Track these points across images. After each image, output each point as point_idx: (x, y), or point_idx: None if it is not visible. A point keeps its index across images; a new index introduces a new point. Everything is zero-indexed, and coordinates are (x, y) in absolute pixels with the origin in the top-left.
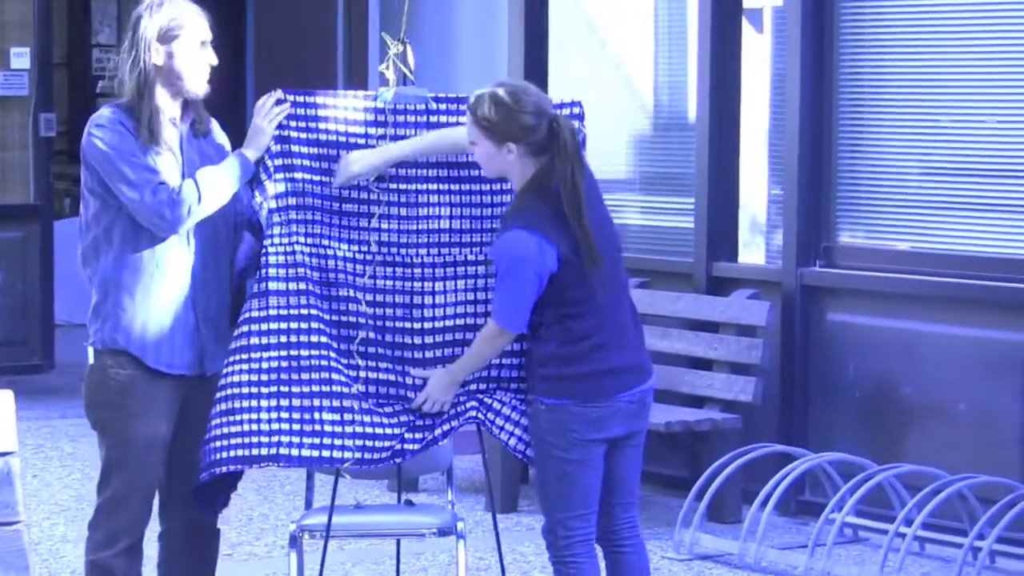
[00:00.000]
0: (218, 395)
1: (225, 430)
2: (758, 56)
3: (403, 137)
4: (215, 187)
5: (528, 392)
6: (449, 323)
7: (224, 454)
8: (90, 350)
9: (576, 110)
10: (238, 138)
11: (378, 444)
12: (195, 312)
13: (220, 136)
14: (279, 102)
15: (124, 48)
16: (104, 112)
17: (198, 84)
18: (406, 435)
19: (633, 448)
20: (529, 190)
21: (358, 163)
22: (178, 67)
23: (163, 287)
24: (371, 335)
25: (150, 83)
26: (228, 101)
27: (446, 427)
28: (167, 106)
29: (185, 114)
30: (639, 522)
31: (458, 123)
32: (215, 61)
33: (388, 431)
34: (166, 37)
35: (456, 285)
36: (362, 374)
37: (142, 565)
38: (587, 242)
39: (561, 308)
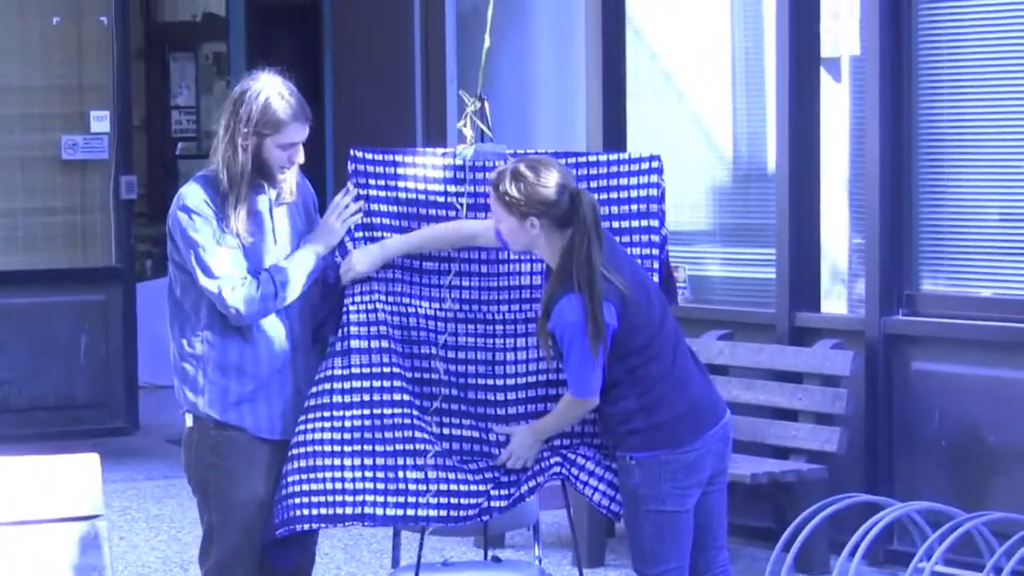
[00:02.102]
0: (294, 452)
1: (306, 487)
2: (837, 105)
3: (483, 195)
4: (291, 285)
5: (615, 450)
6: (531, 379)
7: (305, 511)
8: (188, 415)
9: (655, 164)
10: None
11: (464, 501)
12: (294, 377)
13: (306, 192)
14: (354, 174)
15: (221, 119)
16: (191, 189)
17: (277, 180)
18: (492, 492)
19: (719, 491)
20: (565, 268)
21: (361, 263)
22: (263, 159)
23: (257, 358)
24: (453, 392)
25: (240, 165)
26: (307, 162)
27: (532, 483)
28: (253, 180)
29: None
30: (729, 567)
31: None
32: (302, 161)
33: (474, 487)
34: (258, 132)
35: (537, 341)
36: (445, 431)
37: None
38: (595, 314)
39: (628, 360)
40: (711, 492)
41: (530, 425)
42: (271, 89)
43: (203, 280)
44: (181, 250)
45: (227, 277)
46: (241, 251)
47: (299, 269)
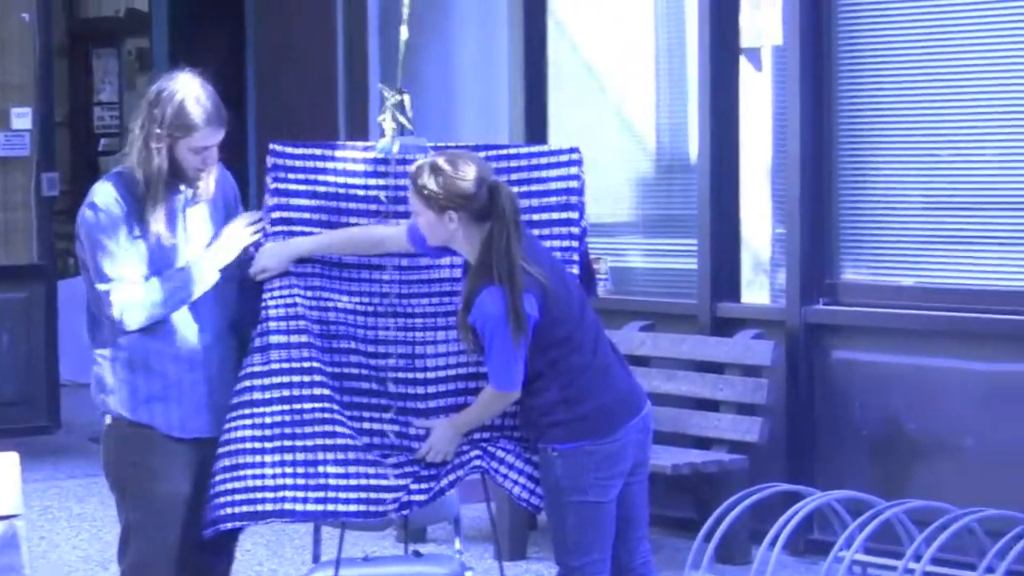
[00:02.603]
0: (221, 450)
1: (229, 485)
2: (758, 95)
3: (405, 188)
4: (176, 295)
5: (537, 442)
6: (452, 372)
7: (229, 510)
8: (107, 416)
9: (574, 155)
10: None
11: (384, 496)
12: (207, 376)
13: (227, 186)
14: (274, 168)
15: (137, 119)
16: (102, 188)
17: (192, 182)
18: (412, 486)
19: (640, 482)
20: (485, 262)
21: (271, 261)
22: (177, 161)
23: (166, 357)
24: (373, 386)
25: (156, 166)
26: (229, 157)
27: (452, 477)
28: (169, 181)
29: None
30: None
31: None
32: (214, 162)
33: (393, 482)
34: (171, 135)
35: (458, 334)
36: (366, 425)
37: None
38: (516, 306)
39: (550, 352)
40: (632, 483)
41: (450, 419)
42: (187, 91)
43: (96, 281)
44: (84, 248)
45: (119, 281)
46: (147, 255)
47: (191, 279)
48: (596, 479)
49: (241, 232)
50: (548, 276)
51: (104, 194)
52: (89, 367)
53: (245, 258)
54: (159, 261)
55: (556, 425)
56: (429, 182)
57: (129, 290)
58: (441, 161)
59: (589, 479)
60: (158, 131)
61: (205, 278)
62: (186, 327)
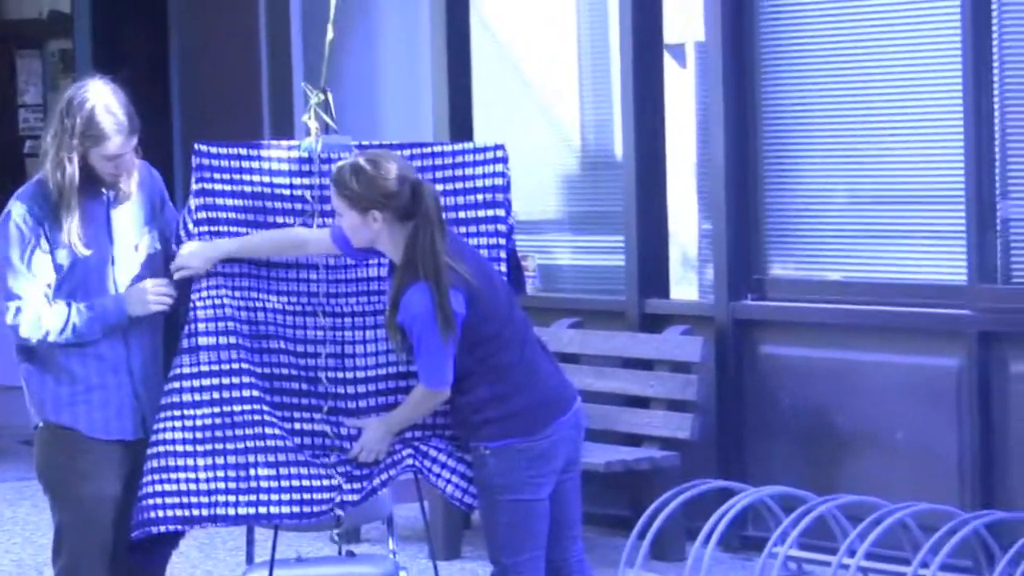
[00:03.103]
0: (150, 451)
1: (159, 487)
2: (682, 91)
3: (328, 186)
4: (82, 327)
5: (469, 441)
6: (382, 372)
7: (160, 512)
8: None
9: (500, 153)
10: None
11: (316, 496)
12: (131, 379)
13: (153, 186)
14: (199, 168)
15: (48, 129)
16: (18, 201)
17: (106, 183)
18: (344, 486)
19: (573, 479)
20: (410, 260)
21: (194, 260)
22: (89, 168)
23: (87, 360)
24: (303, 386)
25: (68, 175)
26: (153, 158)
27: (384, 476)
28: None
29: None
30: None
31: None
32: (130, 168)
33: (326, 482)
34: (82, 144)
35: (386, 334)
36: (296, 426)
37: None
38: (443, 303)
39: (478, 350)
40: (565, 481)
41: (381, 418)
42: (97, 100)
43: (4, 296)
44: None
45: (25, 299)
46: (52, 267)
47: (99, 319)
48: (528, 477)
49: (152, 295)
50: (473, 274)
51: (18, 208)
52: (17, 370)
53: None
54: (79, 268)
55: (487, 423)
56: (351, 183)
57: (33, 311)
58: (362, 161)
59: (522, 476)
60: (69, 140)
61: (108, 322)
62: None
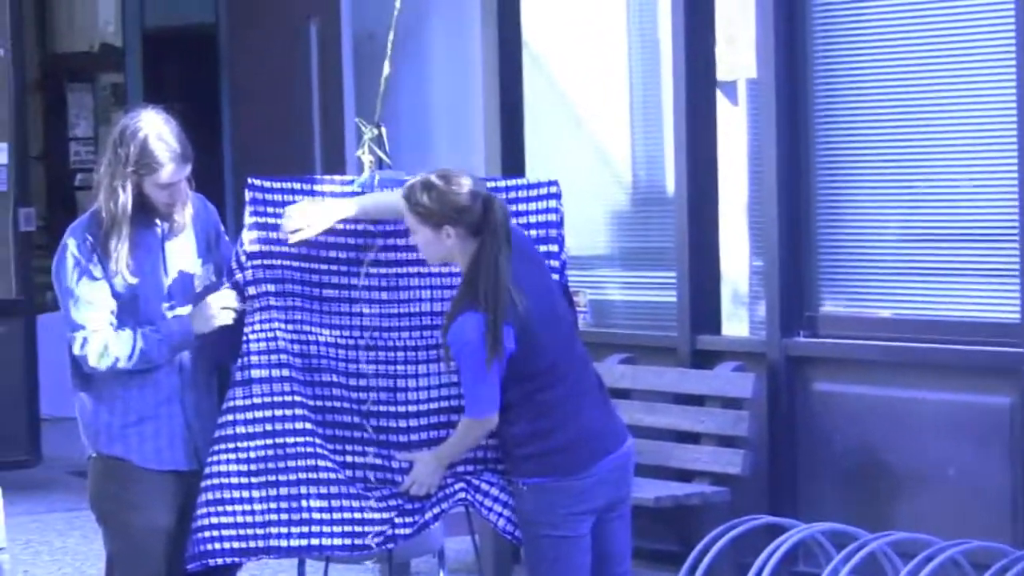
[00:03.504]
0: (205, 483)
1: (215, 520)
2: (734, 128)
3: (384, 221)
4: (149, 351)
5: (509, 475)
6: (433, 406)
7: (217, 544)
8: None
9: (553, 189)
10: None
11: (368, 529)
12: (183, 410)
13: (208, 219)
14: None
15: (102, 161)
16: (73, 235)
17: (163, 216)
18: (396, 519)
19: (620, 519)
20: (472, 279)
21: (312, 217)
22: (146, 196)
23: (142, 390)
24: (355, 419)
25: (120, 205)
26: (205, 192)
27: (436, 510)
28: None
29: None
30: None
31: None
32: (184, 198)
33: (378, 515)
34: (136, 172)
35: (439, 367)
36: (348, 459)
37: None
38: (495, 319)
39: (526, 384)
40: (612, 519)
41: (432, 451)
42: (150, 129)
43: (66, 328)
44: (57, 294)
45: (89, 328)
46: (111, 294)
47: (166, 341)
48: (567, 514)
49: (215, 310)
50: (533, 305)
51: (73, 241)
52: (70, 401)
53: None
54: (137, 299)
55: (527, 459)
56: (422, 198)
57: (96, 339)
58: (433, 177)
59: (559, 514)
60: (123, 169)
61: (174, 344)
62: (159, 368)
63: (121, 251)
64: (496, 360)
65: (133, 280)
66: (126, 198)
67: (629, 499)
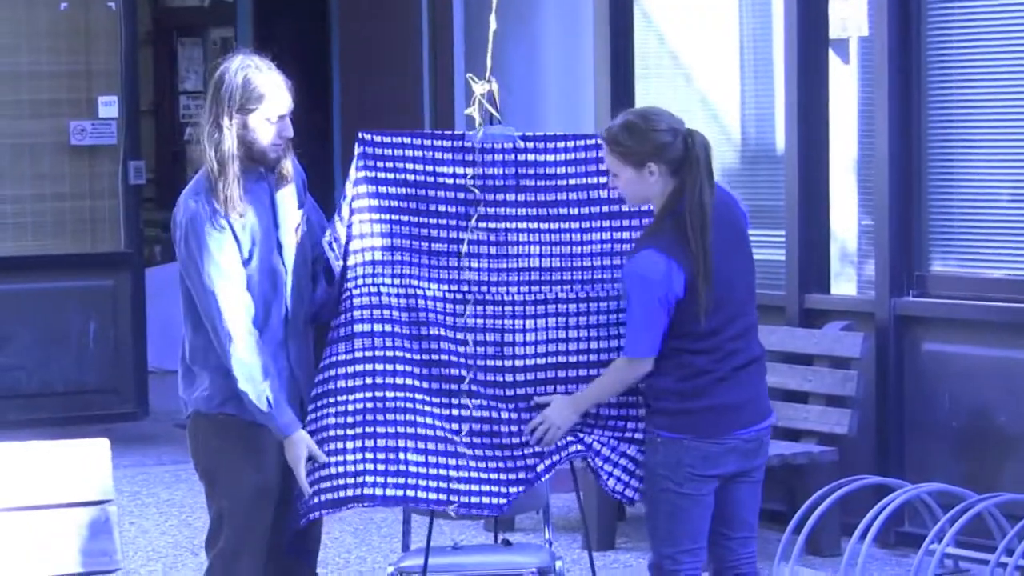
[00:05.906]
0: None
1: (315, 474)
2: (845, 87)
3: (492, 176)
4: (258, 403)
5: (645, 423)
6: (540, 361)
7: (315, 499)
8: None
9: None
10: (324, 191)
11: (476, 488)
12: (288, 360)
13: (297, 171)
14: (362, 156)
15: (204, 111)
16: (190, 201)
17: (269, 158)
18: (503, 477)
19: (750, 484)
20: (667, 212)
21: (559, 416)
22: (251, 139)
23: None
24: (462, 372)
25: (228, 145)
26: (314, 149)
27: (548, 462)
28: (249, 168)
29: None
30: (756, 559)
31: (546, 162)
32: (291, 134)
33: (489, 475)
34: (243, 108)
35: (547, 323)
36: (454, 412)
37: None
38: (704, 262)
39: (680, 341)
40: (740, 483)
41: (571, 395)
42: (248, 65)
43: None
44: (185, 251)
45: (227, 281)
46: (240, 240)
47: (267, 413)
48: (691, 474)
49: (302, 467)
50: (716, 267)
51: (193, 203)
52: (176, 354)
53: (317, 253)
54: (256, 248)
55: (664, 413)
56: (623, 139)
57: (249, 364)
58: (631, 117)
59: (685, 472)
60: (229, 110)
61: (264, 421)
62: (270, 312)
63: (232, 193)
64: (664, 303)
65: (243, 221)
66: (232, 138)
67: (761, 468)
